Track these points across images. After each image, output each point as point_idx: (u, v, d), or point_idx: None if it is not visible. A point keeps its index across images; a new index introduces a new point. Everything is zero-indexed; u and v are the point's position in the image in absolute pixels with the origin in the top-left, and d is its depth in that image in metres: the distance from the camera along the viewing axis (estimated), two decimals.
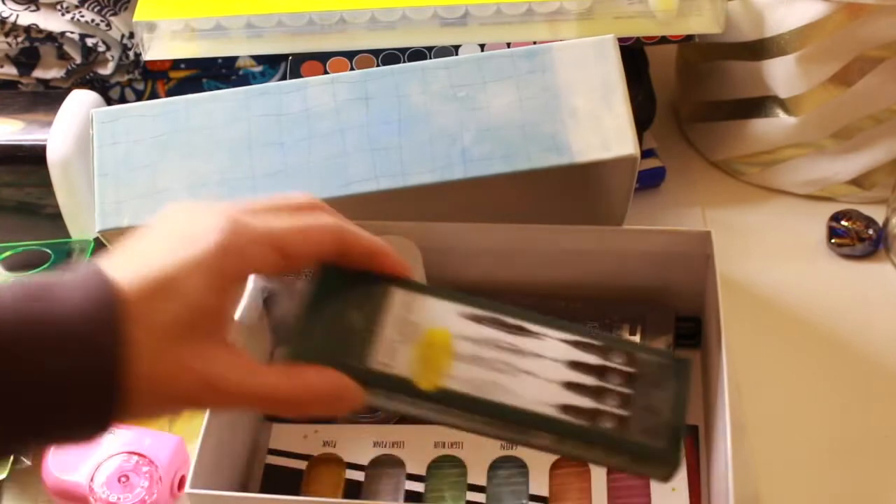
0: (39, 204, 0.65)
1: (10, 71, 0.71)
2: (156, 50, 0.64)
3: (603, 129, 0.53)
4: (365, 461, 0.56)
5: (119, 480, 0.54)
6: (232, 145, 0.54)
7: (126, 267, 0.36)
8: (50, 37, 0.70)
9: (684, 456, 0.38)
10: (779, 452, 0.57)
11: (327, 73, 0.65)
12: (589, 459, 0.42)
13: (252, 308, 0.56)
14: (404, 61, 0.64)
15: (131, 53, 0.71)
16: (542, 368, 0.40)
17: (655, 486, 0.53)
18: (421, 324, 0.41)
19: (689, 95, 0.77)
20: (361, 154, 0.54)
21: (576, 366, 0.40)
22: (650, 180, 0.72)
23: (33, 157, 0.64)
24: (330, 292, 0.41)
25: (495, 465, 0.55)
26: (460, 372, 0.40)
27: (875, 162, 0.69)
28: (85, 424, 0.35)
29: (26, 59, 0.71)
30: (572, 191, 0.65)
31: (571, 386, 0.40)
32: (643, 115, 0.69)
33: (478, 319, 0.41)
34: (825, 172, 0.70)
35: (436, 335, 0.41)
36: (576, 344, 0.41)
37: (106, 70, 0.70)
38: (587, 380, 0.40)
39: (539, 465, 0.54)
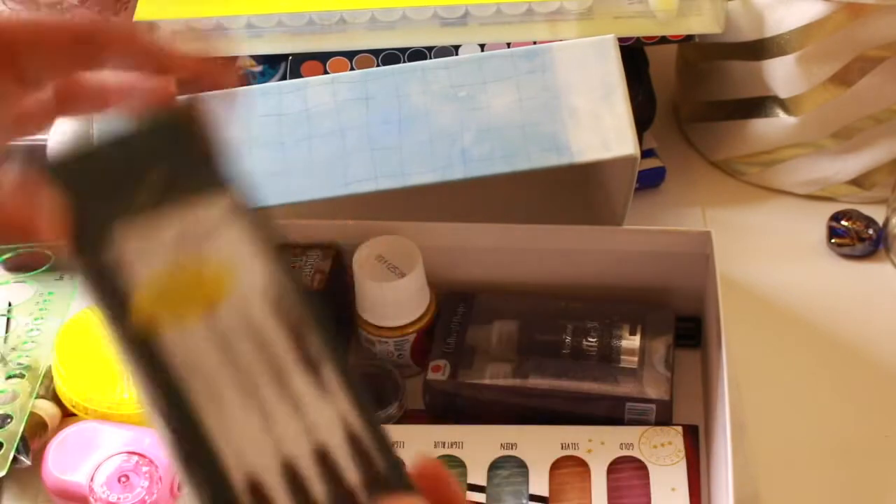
0: None
1: None
2: None
3: (603, 129, 0.54)
4: None
5: (119, 480, 0.54)
6: (231, 145, 0.54)
7: None
8: None
9: None
10: (779, 452, 0.57)
11: (327, 73, 0.65)
12: None
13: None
14: (404, 61, 0.64)
15: None
16: (299, 419, 0.29)
17: (655, 486, 0.53)
18: (212, 250, 0.30)
19: (690, 95, 0.77)
20: (361, 154, 0.54)
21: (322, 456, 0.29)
22: (650, 180, 0.72)
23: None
24: (159, 136, 0.31)
25: (495, 465, 0.55)
26: (192, 340, 0.29)
27: (875, 162, 0.69)
28: None
29: None
30: (572, 191, 0.65)
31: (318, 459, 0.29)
32: (643, 115, 0.69)
33: (283, 310, 0.30)
34: (825, 172, 0.70)
35: (215, 274, 0.30)
36: (356, 429, 0.29)
37: None
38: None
39: (539, 465, 0.54)
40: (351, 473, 0.29)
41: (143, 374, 0.29)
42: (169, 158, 0.31)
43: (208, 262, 0.30)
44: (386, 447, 0.29)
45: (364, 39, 0.63)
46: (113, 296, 0.29)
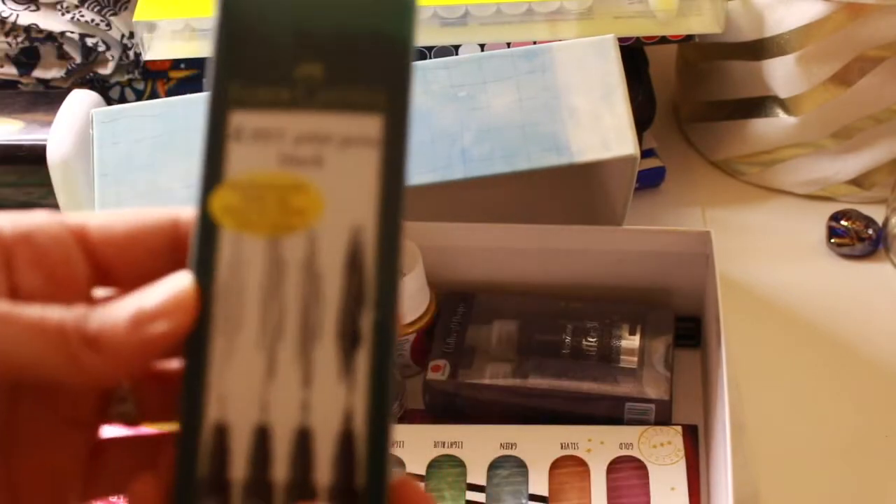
0: (40, 204, 0.66)
1: (10, 71, 0.71)
2: (156, 50, 0.64)
3: (603, 128, 0.54)
4: None
5: None
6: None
7: None
8: (50, 36, 0.70)
9: None
10: (778, 451, 0.57)
11: None
12: None
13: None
14: None
15: (131, 53, 0.71)
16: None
17: (655, 486, 0.53)
18: (321, 173, 0.26)
19: (690, 95, 0.77)
20: None
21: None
22: (650, 180, 0.72)
23: (33, 157, 0.64)
24: (346, 17, 0.27)
25: (495, 465, 0.55)
26: (246, 254, 0.26)
27: (875, 162, 0.69)
28: None
29: (26, 58, 0.71)
30: (572, 190, 0.65)
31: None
32: (643, 115, 0.70)
33: (356, 271, 0.26)
34: (825, 172, 0.71)
35: (305, 201, 0.26)
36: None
37: (106, 70, 0.70)
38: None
39: (538, 465, 0.54)
40: (323, 473, 0.26)
41: (194, 256, 0.26)
42: (340, 54, 0.26)
43: (306, 186, 0.26)
44: (378, 466, 0.26)
45: None
46: (211, 163, 0.27)
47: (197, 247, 0.26)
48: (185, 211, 0.28)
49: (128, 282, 0.28)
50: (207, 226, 0.26)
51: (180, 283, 0.26)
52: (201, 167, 0.27)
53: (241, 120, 0.27)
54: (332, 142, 0.26)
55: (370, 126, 0.27)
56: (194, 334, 0.26)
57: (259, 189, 0.26)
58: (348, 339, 0.26)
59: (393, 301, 0.26)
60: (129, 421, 0.30)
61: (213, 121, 0.27)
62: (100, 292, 0.28)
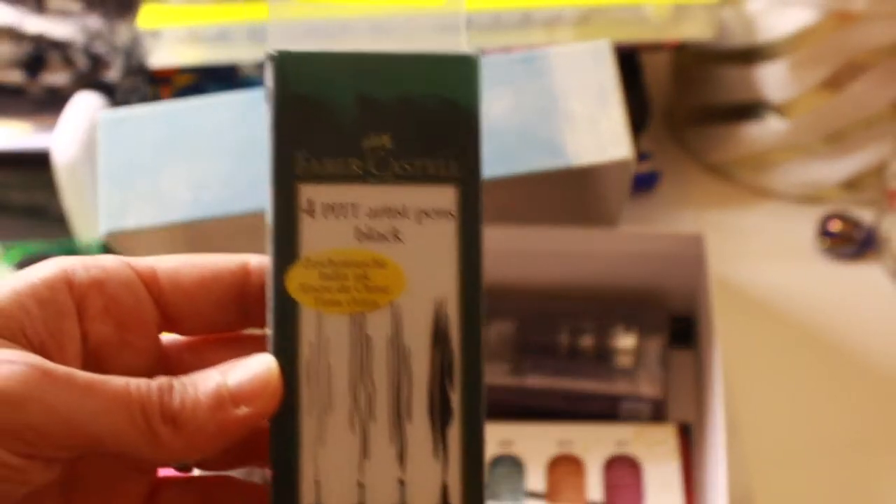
0: (46, 206, 0.66)
1: (16, 76, 0.72)
2: (160, 56, 0.65)
3: (599, 132, 0.54)
4: None
5: None
6: (235, 148, 0.55)
7: None
8: (56, 43, 0.71)
9: None
10: (771, 451, 0.58)
11: None
12: None
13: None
14: None
15: (136, 59, 0.72)
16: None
17: (650, 484, 0.54)
18: (399, 246, 0.26)
19: (684, 100, 0.77)
20: None
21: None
22: (645, 183, 0.73)
23: (39, 160, 0.64)
24: (415, 84, 0.27)
25: (493, 463, 0.55)
26: (331, 332, 0.26)
27: (865, 165, 0.70)
28: None
29: (33, 64, 0.72)
30: (569, 193, 0.65)
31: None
32: (638, 119, 0.70)
33: (443, 345, 0.26)
34: (816, 175, 0.71)
35: (385, 277, 0.26)
36: None
37: (111, 75, 0.71)
38: None
39: (535, 463, 0.55)
40: None
41: (275, 336, 0.26)
42: (407, 123, 0.26)
43: (386, 262, 0.26)
44: None
45: (365, 45, 0.64)
46: (284, 239, 0.26)
47: (277, 326, 0.26)
48: (254, 259, 0.28)
49: (196, 328, 0.28)
50: (286, 304, 0.26)
51: (264, 364, 0.26)
52: (273, 243, 0.26)
53: (311, 193, 0.26)
54: (408, 215, 0.26)
55: (445, 197, 0.26)
56: (280, 416, 0.26)
57: (338, 267, 0.26)
58: (440, 415, 0.26)
59: (480, 373, 0.27)
60: (185, 469, 0.30)
61: (280, 193, 0.26)
62: (167, 338, 0.28)
